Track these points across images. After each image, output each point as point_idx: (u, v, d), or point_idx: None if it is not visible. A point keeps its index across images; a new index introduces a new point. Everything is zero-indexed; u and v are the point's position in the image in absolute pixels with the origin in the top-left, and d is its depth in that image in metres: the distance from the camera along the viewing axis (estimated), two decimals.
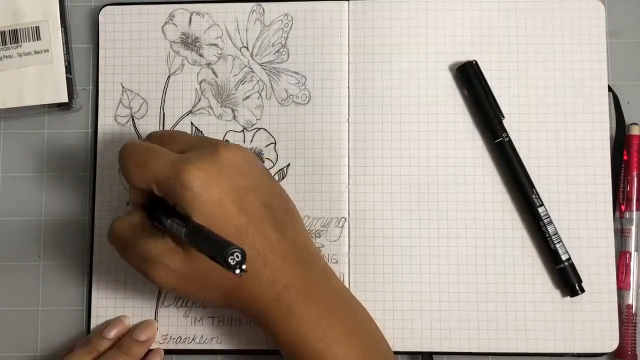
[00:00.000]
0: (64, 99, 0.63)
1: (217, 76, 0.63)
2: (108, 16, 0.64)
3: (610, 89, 0.62)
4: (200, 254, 0.47)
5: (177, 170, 0.49)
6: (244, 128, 0.62)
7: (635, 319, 0.60)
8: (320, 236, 0.61)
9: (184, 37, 0.64)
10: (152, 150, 0.52)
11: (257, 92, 0.63)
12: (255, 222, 0.51)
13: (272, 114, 0.63)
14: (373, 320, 0.57)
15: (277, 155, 0.62)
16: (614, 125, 0.62)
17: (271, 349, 0.60)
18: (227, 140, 0.62)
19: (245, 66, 0.63)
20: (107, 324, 0.60)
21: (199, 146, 0.53)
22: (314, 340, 0.52)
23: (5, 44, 0.62)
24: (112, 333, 0.60)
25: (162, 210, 0.52)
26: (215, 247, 0.43)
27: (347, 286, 0.60)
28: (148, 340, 0.60)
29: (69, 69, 0.63)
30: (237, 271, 0.42)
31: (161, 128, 0.63)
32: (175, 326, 0.61)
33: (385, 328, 0.59)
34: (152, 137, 0.56)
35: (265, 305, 0.52)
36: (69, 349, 0.60)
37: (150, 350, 0.60)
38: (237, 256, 0.42)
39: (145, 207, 0.54)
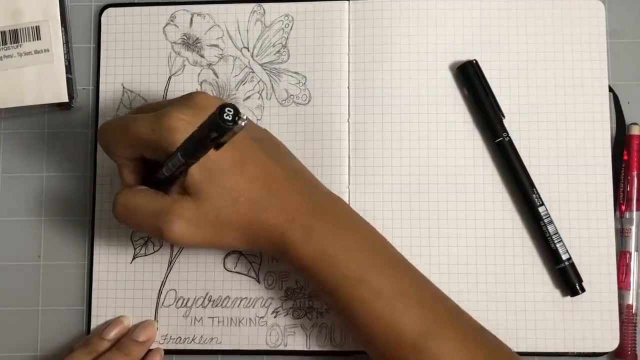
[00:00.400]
0: (64, 99, 0.63)
1: (217, 77, 0.63)
2: (110, 17, 0.64)
3: (610, 89, 0.62)
4: (208, 192, 0.49)
5: (159, 120, 0.50)
6: None
7: (635, 319, 0.60)
8: None
9: (185, 38, 0.64)
10: (127, 117, 0.53)
11: (258, 92, 0.63)
12: (250, 153, 0.52)
13: (273, 114, 0.63)
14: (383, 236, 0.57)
15: None
16: (614, 125, 0.62)
17: (271, 349, 0.60)
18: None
19: (246, 67, 0.63)
20: (107, 325, 0.60)
21: (173, 100, 0.54)
22: (338, 252, 0.52)
23: (5, 44, 0.62)
24: (112, 334, 0.59)
25: (155, 168, 0.52)
26: (206, 123, 0.42)
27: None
28: (147, 341, 0.60)
29: (69, 69, 0.63)
30: (242, 123, 0.40)
31: None
32: (175, 326, 0.61)
33: None
34: (127, 113, 0.57)
35: (282, 230, 0.52)
36: (69, 349, 0.60)
37: (150, 351, 0.60)
38: (229, 110, 0.40)
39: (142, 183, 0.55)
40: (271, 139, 0.57)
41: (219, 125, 0.40)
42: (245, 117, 0.40)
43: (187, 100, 0.52)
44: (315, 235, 0.52)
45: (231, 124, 0.40)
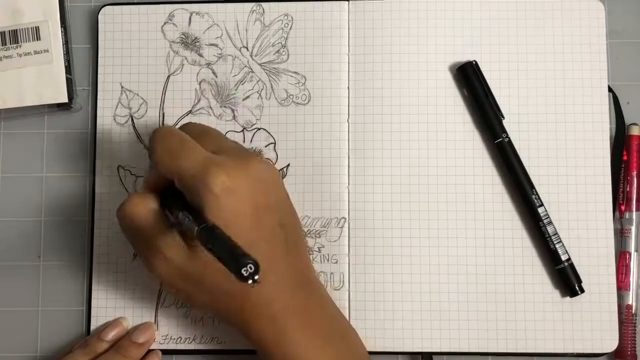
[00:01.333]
0: (64, 99, 0.62)
1: (216, 76, 0.63)
2: (107, 16, 0.64)
3: (610, 89, 0.62)
4: (203, 255, 0.47)
5: (206, 169, 0.49)
6: (244, 128, 0.62)
7: (635, 319, 0.60)
8: (320, 236, 0.61)
9: (184, 37, 0.64)
10: (186, 142, 0.51)
11: (257, 92, 0.63)
12: (266, 239, 0.51)
13: (272, 114, 0.63)
14: (364, 346, 0.58)
15: (277, 156, 0.62)
16: (614, 125, 0.62)
17: None
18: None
19: (245, 66, 0.63)
20: (106, 326, 0.60)
21: (232, 152, 0.52)
22: None
23: (5, 44, 0.62)
24: (111, 335, 0.60)
25: (176, 201, 0.51)
26: (229, 252, 0.42)
27: (347, 287, 0.60)
28: (146, 343, 0.60)
29: (68, 69, 0.63)
30: (250, 282, 0.40)
31: None
32: (175, 326, 0.61)
33: (385, 328, 0.59)
34: (189, 128, 0.55)
35: (259, 321, 0.52)
36: (68, 349, 0.60)
37: (147, 352, 0.60)
38: (251, 267, 0.40)
39: (159, 193, 0.53)
40: (297, 229, 0.56)
41: (232, 270, 0.41)
42: (258, 280, 0.41)
43: (244, 164, 0.50)
44: (289, 341, 0.52)
45: (247, 279, 0.40)
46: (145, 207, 0.52)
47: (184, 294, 0.53)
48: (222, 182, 0.48)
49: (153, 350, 0.60)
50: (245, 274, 0.40)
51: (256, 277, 0.40)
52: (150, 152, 0.52)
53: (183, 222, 0.48)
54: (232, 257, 0.41)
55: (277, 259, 0.52)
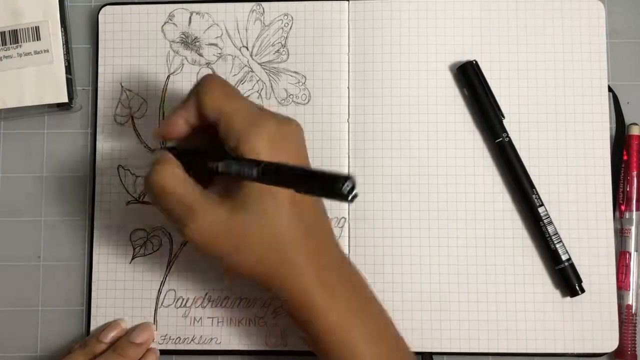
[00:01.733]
0: (64, 99, 0.63)
1: None
2: (108, 16, 0.64)
3: (610, 89, 0.62)
4: (249, 204, 0.47)
5: (258, 117, 0.49)
6: None
7: (635, 319, 0.60)
8: None
9: (184, 36, 0.64)
10: (239, 93, 0.52)
11: (257, 91, 0.63)
12: (307, 203, 0.50)
13: None
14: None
15: None
16: (614, 125, 0.62)
17: (271, 349, 0.60)
18: None
19: (245, 66, 0.63)
20: (104, 328, 0.60)
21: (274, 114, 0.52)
22: (356, 334, 0.51)
23: (5, 44, 0.62)
24: (109, 336, 0.60)
25: (213, 152, 0.50)
26: (319, 177, 0.40)
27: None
28: (145, 343, 0.60)
29: (68, 69, 0.63)
30: (353, 195, 0.38)
31: None
32: (175, 326, 0.61)
33: None
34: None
35: (302, 280, 0.50)
36: (66, 350, 0.60)
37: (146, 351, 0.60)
38: (349, 183, 0.38)
39: (178, 156, 0.52)
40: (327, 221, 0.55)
41: (334, 192, 0.39)
42: (357, 194, 0.39)
43: (288, 120, 0.51)
44: (339, 300, 0.51)
45: (349, 194, 0.38)
46: (174, 174, 0.50)
47: (226, 256, 0.50)
48: (272, 130, 0.48)
49: (150, 348, 0.60)
50: (346, 191, 0.38)
51: (355, 192, 0.38)
52: (201, 92, 0.50)
53: (233, 168, 0.47)
54: (325, 179, 0.39)
55: (319, 217, 0.52)
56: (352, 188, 0.38)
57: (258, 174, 0.44)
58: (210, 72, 0.63)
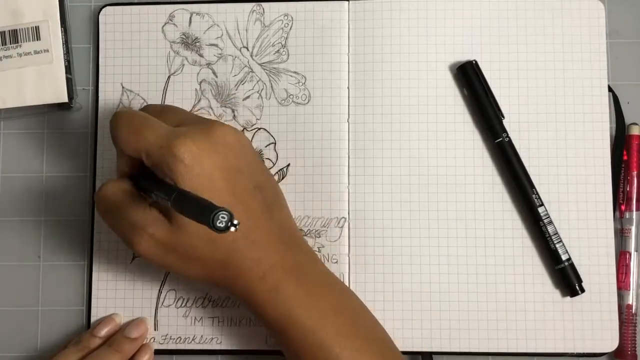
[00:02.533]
0: (64, 99, 0.63)
1: (217, 76, 0.63)
2: (108, 16, 0.64)
3: (610, 89, 0.62)
4: (186, 225, 0.48)
5: (171, 141, 0.49)
6: (244, 128, 0.62)
7: (635, 319, 0.60)
8: (320, 236, 0.61)
9: (184, 37, 0.64)
10: (147, 119, 0.52)
11: (257, 92, 0.63)
12: (243, 201, 0.51)
13: (272, 114, 0.63)
14: (359, 299, 0.57)
15: (277, 155, 0.62)
16: (614, 125, 0.62)
17: (271, 349, 0.60)
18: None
19: (245, 66, 0.63)
20: (99, 322, 0.60)
21: (194, 122, 0.53)
22: (304, 318, 0.52)
23: (5, 44, 0.62)
24: (104, 331, 0.60)
25: (149, 181, 0.52)
26: (201, 209, 0.42)
27: (347, 286, 0.60)
28: (139, 338, 0.60)
29: (69, 69, 0.63)
30: (232, 229, 0.40)
31: None
32: (175, 326, 0.61)
33: (386, 328, 0.59)
34: (149, 109, 0.56)
35: (250, 283, 0.52)
36: (62, 347, 0.60)
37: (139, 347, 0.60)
38: (224, 216, 0.40)
39: (132, 178, 0.54)
40: (274, 188, 0.56)
41: (209, 225, 0.40)
42: (237, 223, 0.40)
43: (208, 130, 0.51)
44: (283, 297, 0.52)
45: (223, 229, 0.40)
46: (121, 188, 0.53)
47: (176, 268, 0.53)
48: (189, 149, 0.49)
49: (145, 343, 0.61)
50: (222, 224, 0.40)
51: (235, 222, 0.40)
52: (113, 137, 0.52)
53: (158, 198, 0.49)
54: (205, 211, 0.41)
55: (257, 219, 0.52)
56: (229, 221, 0.40)
57: (171, 204, 0.46)
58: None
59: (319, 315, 0.52)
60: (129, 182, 0.54)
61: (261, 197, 0.53)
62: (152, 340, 0.61)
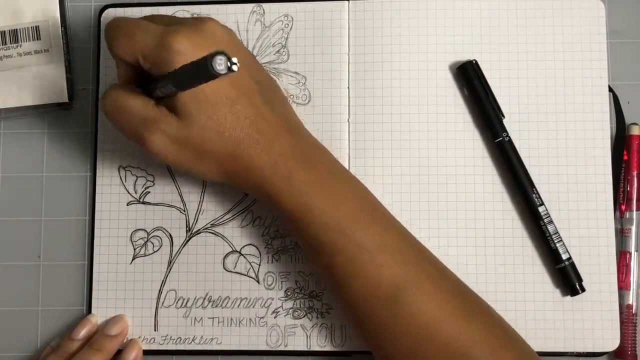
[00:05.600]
0: (64, 99, 0.63)
1: None
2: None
3: (610, 89, 0.62)
4: (194, 118, 0.50)
5: (165, 37, 0.50)
6: None
7: (636, 319, 0.60)
8: None
9: None
10: (139, 22, 0.52)
11: None
12: (245, 94, 0.52)
13: None
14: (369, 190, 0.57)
15: None
16: (614, 125, 0.62)
17: (271, 349, 0.60)
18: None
19: None
20: (75, 326, 0.60)
21: (185, 20, 0.54)
22: (320, 202, 0.52)
23: (5, 44, 0.62)
24: (81, 333, 0.60)
25: (150, 82, 0.52)
26: (198, 67, 0.42)
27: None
28: (120, 335, 0.60)
29: (69, 69, 0.63)
30: (235, 67, 0.40)
31: None
32: (175, 326, 0.61)
33: None
34: (137, 19, 0.56)
35: (262, 174, 0.52)
36: (38, 352, 0.60)
37: (126, 344, 0.60)
38: (221, 59, 0.40)
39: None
40: (271, 83, 0.57)
41: (210, 74, 0.40)
42: (237, 62, 0.40)
43: (197, 24, 0.51)
44: (297, 183, 0.52)
45: (224, 71, 0.40)
46: (127, 90, 0.53)
47: (191, 164, 0.53)
48: (184, 42, 0.49)
49: (132, 340, 0.61)
50: (221, 66, 0.40)
51: (234, 60, 0.40)
52: (109, 45, 0.52)
53: (161, 91, 0.50)
54: (202, 66, 0.41)
55: (260, 109, 0.53)
56: (227, 61, 0.40)
57: (173, 85, 0.47)
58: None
59: (335, 199, 0.53)
60: (132, 85, 0.54)
61: (262, 91, 0.53)
62: (152, 340, 0.61)
